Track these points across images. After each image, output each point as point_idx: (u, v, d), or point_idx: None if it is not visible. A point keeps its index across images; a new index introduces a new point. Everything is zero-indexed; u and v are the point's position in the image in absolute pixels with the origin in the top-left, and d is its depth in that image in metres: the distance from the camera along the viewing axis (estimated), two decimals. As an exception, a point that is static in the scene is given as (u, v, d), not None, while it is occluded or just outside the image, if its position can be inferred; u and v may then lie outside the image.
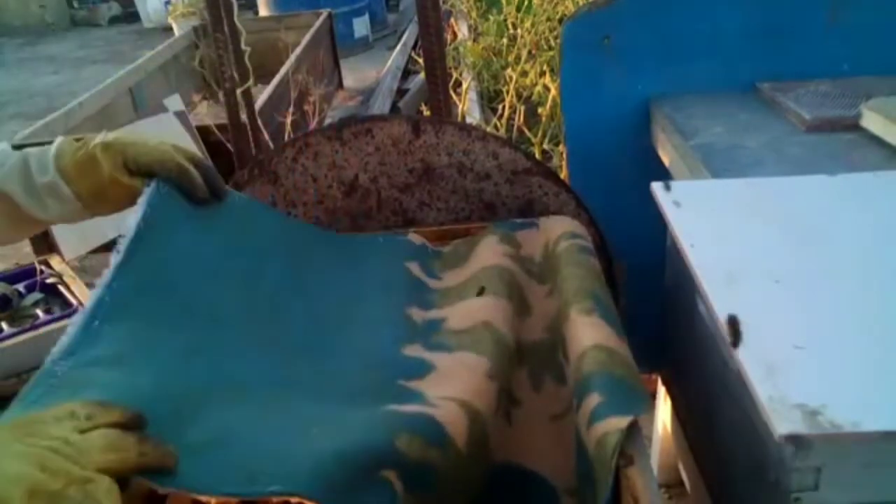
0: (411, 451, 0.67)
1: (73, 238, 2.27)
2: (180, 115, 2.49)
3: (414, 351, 0.85)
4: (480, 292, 0.90)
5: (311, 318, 0.88)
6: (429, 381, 0.80)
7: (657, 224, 0.93)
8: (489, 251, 1.00)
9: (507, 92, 2.96)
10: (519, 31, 3.05)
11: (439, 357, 0.83)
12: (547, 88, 2.81)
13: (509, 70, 3.00)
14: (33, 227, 0.90)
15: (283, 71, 3.29)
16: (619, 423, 0.66)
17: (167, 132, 2.44)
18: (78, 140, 0.85)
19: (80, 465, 0.51)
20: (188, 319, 0.76)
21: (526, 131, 2.87)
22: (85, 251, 2.32)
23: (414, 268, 1.00)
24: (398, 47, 4.97)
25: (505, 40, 3.15)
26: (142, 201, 0.81)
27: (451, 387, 0.77)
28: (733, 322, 0.68)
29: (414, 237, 1.06)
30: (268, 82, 3.18)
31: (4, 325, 2.05)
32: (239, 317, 0.81)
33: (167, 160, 0.82)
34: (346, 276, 0.97)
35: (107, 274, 0.74)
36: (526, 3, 3.06)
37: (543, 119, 2.82)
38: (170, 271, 0.79)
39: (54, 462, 0.50)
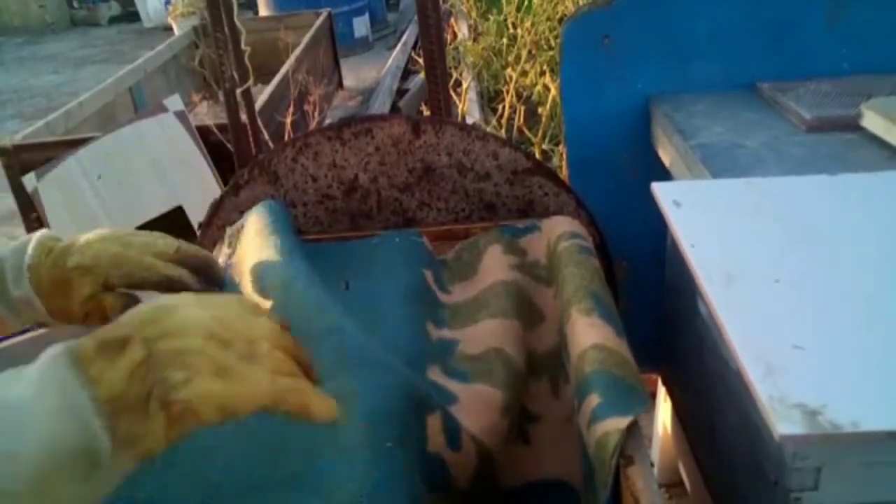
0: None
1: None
2: (180, 115, 2.49)
3: (435, 375, 0.84)
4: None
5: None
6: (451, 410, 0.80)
7: (657, 224, 0.93)
8: (495, 264, 0.99)
9: (507, 92, 2.95)
10: (519, 30, 3.04)
11: (458, 387, 0.83)
12: (547, 88, 2.81)
13: (509, 70, 2.99)
14: (7, 329, 0.86)
15: (283, 71, 3.28)
16: (619, 423, 0.66)
17: (167, 132, 2.44)
18: (54, 243, 0.78)
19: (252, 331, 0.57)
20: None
21: (526, 131, 2.87)
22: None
23: (429, 276, 0.99)
24: (398, 47, 4.97)
25: (505, 40, 3.15)
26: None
27: (469, 420, 0.78)
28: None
29: (424, 240, 1.06)
30: (268, 82, 3.18)
31: (4, 325, 2.05)
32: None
33: (151, 276, 0.75)
34: (366, 284, 0.97)
35: None
36: (526, 2, 3.05)
37: (543, 119, 2.81)
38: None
39: (231, 323, 0.57)
